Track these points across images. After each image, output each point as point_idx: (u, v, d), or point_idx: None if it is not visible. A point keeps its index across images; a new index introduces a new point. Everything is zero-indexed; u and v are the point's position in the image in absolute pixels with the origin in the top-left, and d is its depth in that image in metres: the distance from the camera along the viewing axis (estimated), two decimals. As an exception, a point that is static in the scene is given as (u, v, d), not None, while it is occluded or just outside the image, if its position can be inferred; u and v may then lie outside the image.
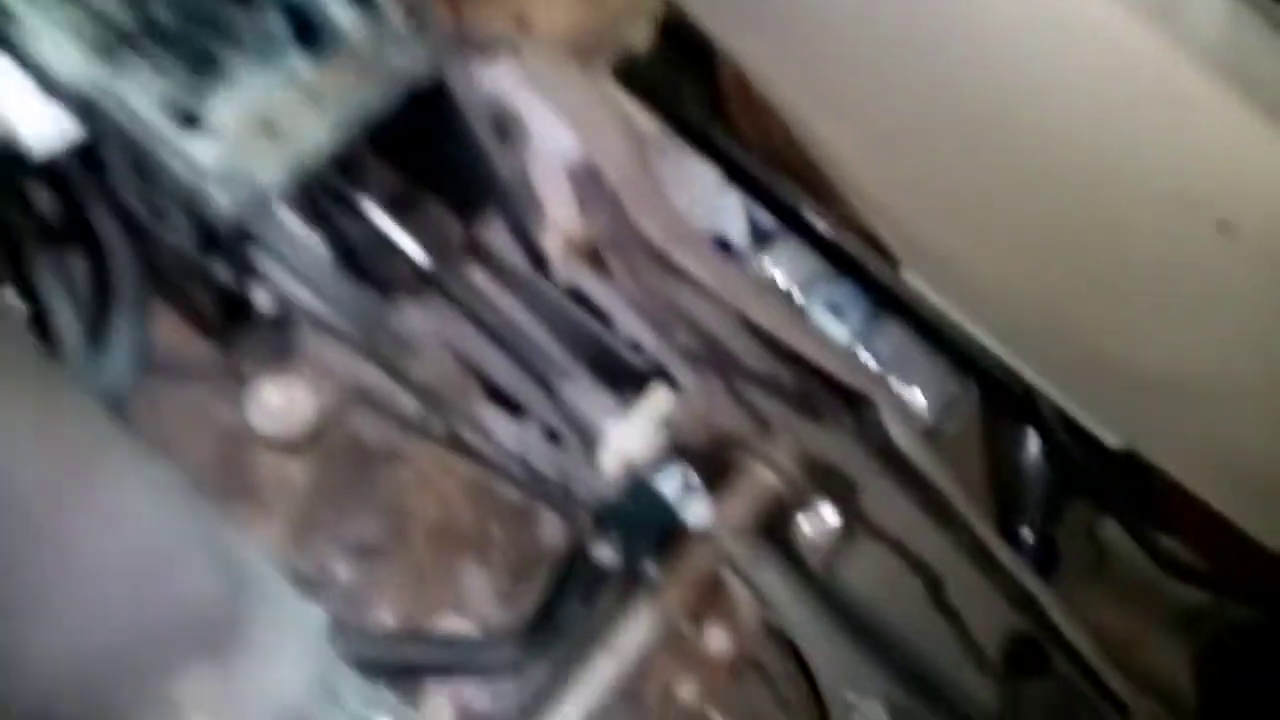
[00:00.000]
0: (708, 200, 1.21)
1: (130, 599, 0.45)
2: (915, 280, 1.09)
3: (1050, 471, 1.29)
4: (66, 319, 0.82)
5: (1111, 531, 1.28)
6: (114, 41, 0.71)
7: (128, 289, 0.78)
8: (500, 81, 0.93)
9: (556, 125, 0.93)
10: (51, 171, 0.77)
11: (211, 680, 0.43)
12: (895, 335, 1.29)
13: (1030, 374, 1.09)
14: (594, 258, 0.97)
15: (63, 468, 0.45)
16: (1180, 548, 1.22)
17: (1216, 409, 0.96)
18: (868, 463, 1.12)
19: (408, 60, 0.77)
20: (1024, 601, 1.14)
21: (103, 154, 0.75)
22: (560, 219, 0.94)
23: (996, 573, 1.14)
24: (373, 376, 0.92)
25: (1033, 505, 1.30)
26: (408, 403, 0.93)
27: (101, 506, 0.46)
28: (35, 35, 0.70)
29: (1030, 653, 1.13)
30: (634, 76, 1.10)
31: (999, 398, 1.24)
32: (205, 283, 0.83)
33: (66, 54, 0.70)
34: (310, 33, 0.76)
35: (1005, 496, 1.31)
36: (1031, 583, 1.14)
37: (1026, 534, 1.31)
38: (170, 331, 0.94)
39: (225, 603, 0.45)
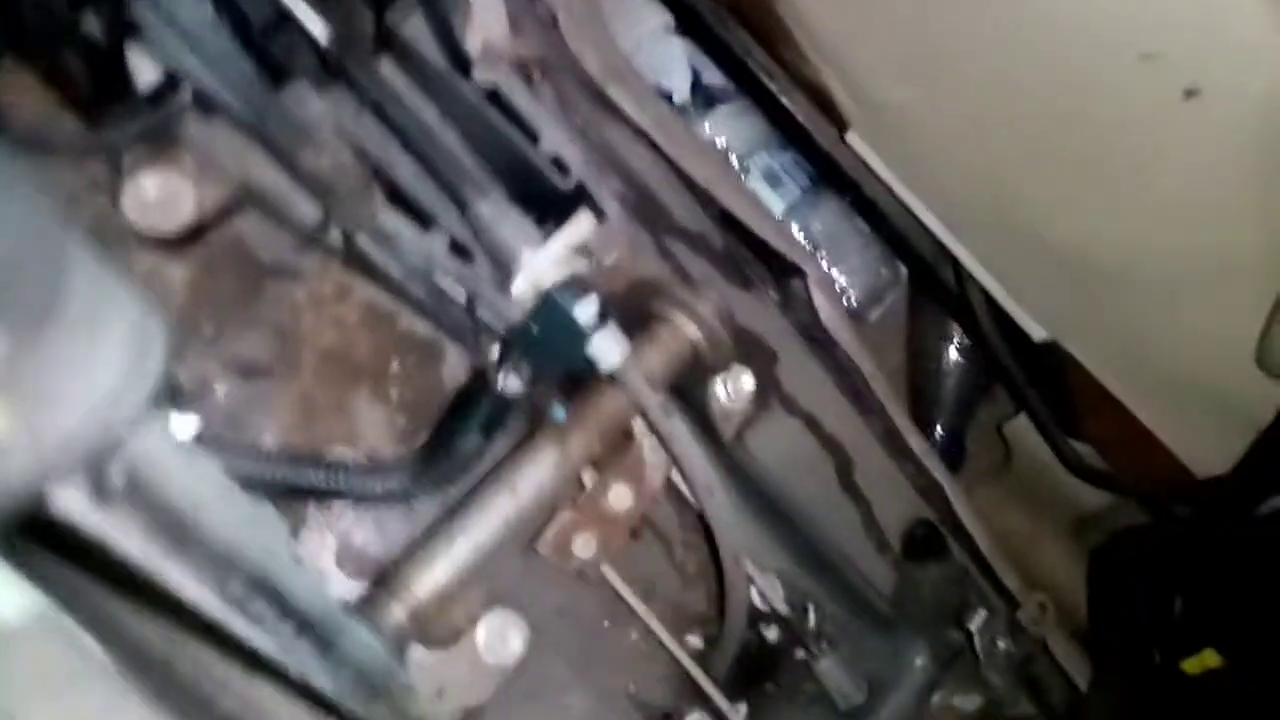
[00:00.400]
0: (652, 46, 1.14)
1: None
2: (860, 146, 1.04)
3: (969, 369, 1.28)
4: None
5: (1021, 432, 1.28)
6: None
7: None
8: None
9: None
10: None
11: (12, 357, 0.35)
12: (831, 214, 1.26)
13: (965, 255, 1.06)
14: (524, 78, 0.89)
15: None
16: (1089, 452, 1.23)
17: (1153, 297, 0.94)
18: (790, 335, 1.09)
19: None
20: (929, 489, 1.14)
21: None
22: (488, 29, 0.85)
23: (905, 459, 1.13)
24: (265, 175, 0.83)
25: (947, 401, 1.30)
26: (304, 212, 0.85)
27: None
28: None
29: (929, 539, 1.13)
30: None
31: (928, 286, 1.22)
32: (75, 42, 0.73)
33: None
34: None
35: (921, 389, 1.31)
36: (938, 471, 1.14)
37: (938, 429, 1.31)
38: (34, 102, 0.83)
39: (32, 269, 0.36)
